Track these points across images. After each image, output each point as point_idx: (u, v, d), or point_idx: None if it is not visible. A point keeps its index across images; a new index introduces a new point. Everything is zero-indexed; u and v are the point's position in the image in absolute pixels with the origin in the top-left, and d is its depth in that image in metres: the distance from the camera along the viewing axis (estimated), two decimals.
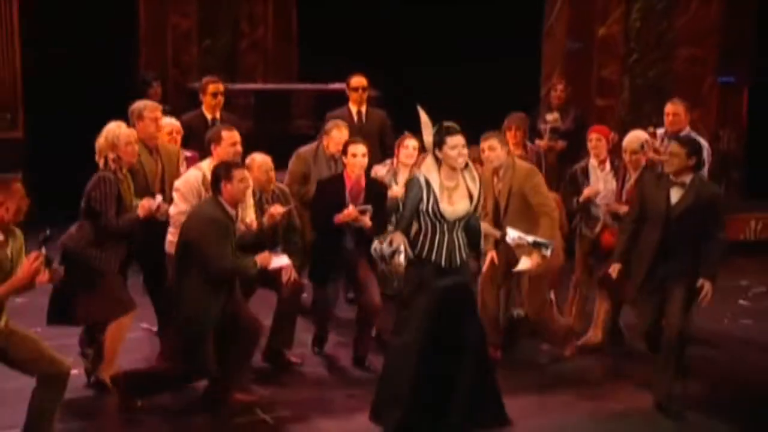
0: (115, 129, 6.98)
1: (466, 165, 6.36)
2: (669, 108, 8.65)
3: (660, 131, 8.55)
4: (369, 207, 7.64)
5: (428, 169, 6.31)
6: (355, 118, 9.63)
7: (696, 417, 6.97)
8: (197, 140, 8.18)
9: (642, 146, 7.88)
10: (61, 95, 12.01)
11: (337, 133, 8.26)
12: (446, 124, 6.34)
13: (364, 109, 9.75)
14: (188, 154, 8.10)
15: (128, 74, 13.16)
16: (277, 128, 11.10)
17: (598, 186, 8.10)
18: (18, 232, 5.92)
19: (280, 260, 7.09)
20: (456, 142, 6.22)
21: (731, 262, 8.99)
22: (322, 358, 8.09)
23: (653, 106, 11.25)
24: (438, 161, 6.30)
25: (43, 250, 5.67)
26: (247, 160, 7.56)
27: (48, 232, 5.83)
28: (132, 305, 7.13)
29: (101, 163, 6.97)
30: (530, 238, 6.89)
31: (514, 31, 11.82)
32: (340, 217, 7.66)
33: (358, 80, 9.77)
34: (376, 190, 7.91)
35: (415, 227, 6.31)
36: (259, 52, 14.50)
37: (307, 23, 14.29)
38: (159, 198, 7.12)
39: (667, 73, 11.86)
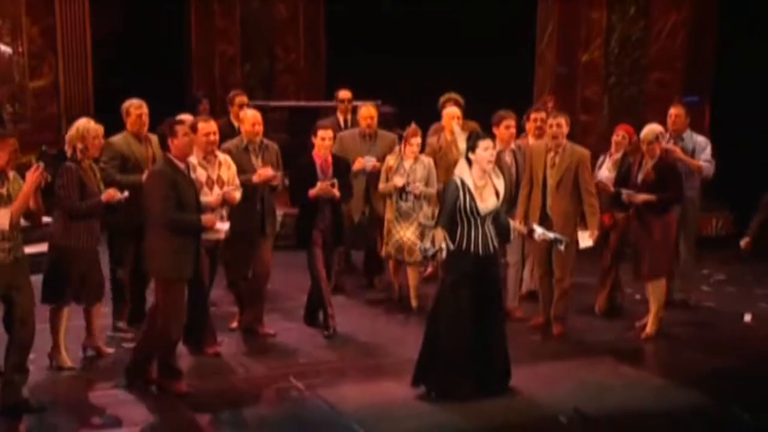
0: (85, 123, 6.92)
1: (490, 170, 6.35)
2: (672, 110, 8.49)
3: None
4: (335, 180, 7.70)
5: (462, 171, 6.33)
6: (342, 124, 9.68)
7: (671, 386, 6.78)
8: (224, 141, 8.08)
9: (657, 137, 7.74)
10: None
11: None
12: (478, 132, 6.56)
13: (349, 117, 9.81)
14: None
15: (182, 93, 13.04)
16: (307, 138, 11.07)
17: (603, 173, 8.14)
18: (13, 175, 6.00)
19: (223, 225, 6.83)
20: (487, 144, 6.28)
21: (696, 255, 8.89)
22: (342, 334, 7.87)
23: (629, 121, 11.04)
24: (470, 163, 6.28)
25: (41, 163, 5.88)
26: (240, 115, 7.88)
27: (44, 147, 6.05)
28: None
29: (69, 152, 6.83)
30: (551, 234, 7.01)
31: (511, 56, 11.68)
32: (313, 192, 7.66)
33: (344, 93, 9.95)
34: (340, 166, 7.98)
35: (454, 225, 6.28)
36: (292, 74, 14.54)
37: (334, 49, 14.20)
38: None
39: (641, 93, 11.79)
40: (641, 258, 7.79)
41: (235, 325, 7.86)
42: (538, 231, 7.01)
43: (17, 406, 6.11)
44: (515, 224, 7.08)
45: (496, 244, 6.43)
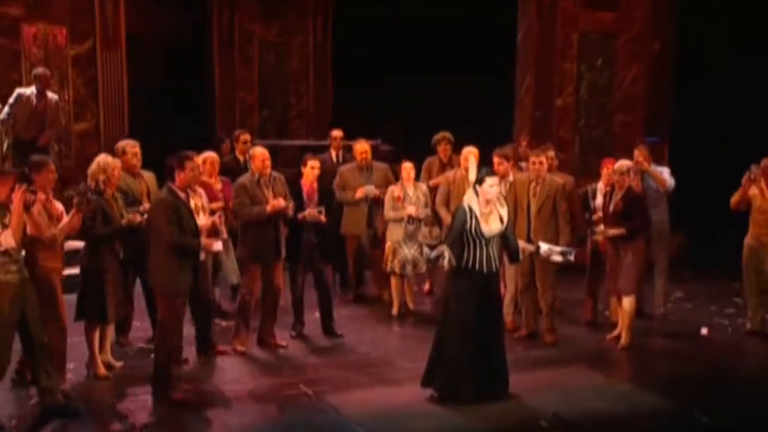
0: (105, 158, 6.84)
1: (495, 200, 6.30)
2: (636, 152, 8.35)
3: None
4: (322, 208, 7.66)
5: (470, 199, 6.26)
6: (334, 159, 9.66)
7: (637, 391, 6.60)
8: (231, 174, 8.21)
9: (627, 171, 7.63)
10: (158, 152, 11.77)
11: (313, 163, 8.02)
12: (487, 168, 6.57)
13: (341, 153, 9.81)
14: (224, 179, 8.16)
15: (207, 135, 12.98)
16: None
17: (599, 201, 7.98)
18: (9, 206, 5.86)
19: (218, 245, 6.92)
20: (493, 182, 6.23)
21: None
22: (347, 344, 7.74)
23: (597, 158, 10.97)
24: (476, 193, 6.22)
25: (24, 185, 5.81)
26: (251, 152, 7.75)
27: (26, 170, 6.04)
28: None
29: (92, 184, 6.71)
30: (558, 248, 6.99)
31: (493, 103, 11.59)
32: (301, 215, 7.62)
33: (337, 133, 9.95)
34: (325, 194, 7.97)
35: (461, 245, 6.20)
36: (303, 119, 14.55)
37: (340, 97, 14.16)
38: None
39: (607, 134, 11.74)
40: (615, 277, 7.66)
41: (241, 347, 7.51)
42: (544, 248, 6.96)
43: (57, 410, 5.95)
44: (523, 244, 6.98)
45: (498, 264, 6.35)
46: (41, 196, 6.21)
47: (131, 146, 7.56)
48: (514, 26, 11.62)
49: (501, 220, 6.26)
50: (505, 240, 6.39)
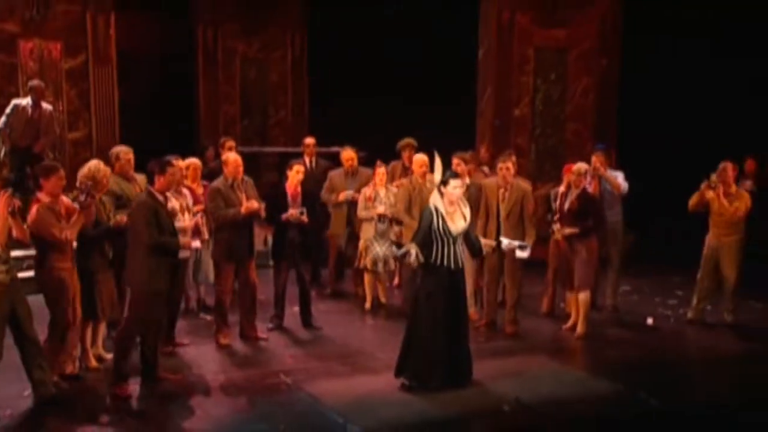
0: (96, 164, 6.63)
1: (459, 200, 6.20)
2: (594, 157, 8.31)
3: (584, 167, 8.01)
4: (304, 209, 7.56)
5: (435, 200, 6.16)
6: (308, 165, 9.47)
7: (590, 377, 6.53)
8: (216, 178, 7.86)
9: (584, 173, 7.65)
10: (147, 158, 11.59)
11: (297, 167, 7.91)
12: (450, 170, 6.41)
13: (314, 159, 9.71)
14: (206, 183, 8.01)
15: (193, 143, 12.84)
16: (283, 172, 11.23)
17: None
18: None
19: (196, 243, 6.76)
20: (456, 183, 6.13)
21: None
22: (324, 337, 7.58)
23: (551, 164, 11.18)
24: (441, 194, 6.12)
25: (9, 189, 5.63)
26: (223, 158, 7.63)
27: (12, 176, 5.94)
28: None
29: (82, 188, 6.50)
30: (517, 243, 6.89)
31: (457, 113, 11.56)
32: (285, 216, 7.52)
33: (309, 140, 9.82)
34: (308, 196, 7.86)
35: (430, 244, 6.10)
36: (281, 128, 14.48)
37: (316, 107, 14.07)
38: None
39: (560, 141, 11.69)
40: (571, 273, 7.60)
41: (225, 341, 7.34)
42: (505, 242, 6.88)
43: (49, 401, 5.81)
44: (486, 240, 6.89)
45: (464, 260, 6.25)
46: (45, 199, 6.03)
47: (125, 152, 7.40)
48: (475, 44, 11.56)
49: (464, 218, 6.17)
50: (467, 238, 6.30)
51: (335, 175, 9.04)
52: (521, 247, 6.85)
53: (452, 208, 6.12)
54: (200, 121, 13.89)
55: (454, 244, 6.11)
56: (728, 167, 7.95)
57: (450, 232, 6.06)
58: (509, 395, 5.97)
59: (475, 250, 6.46)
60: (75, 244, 6.39)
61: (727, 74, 10.25)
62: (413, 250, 6.00)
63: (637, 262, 9.63)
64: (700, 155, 8.48)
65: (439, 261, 6.09)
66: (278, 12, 14.16)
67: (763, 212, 8.48)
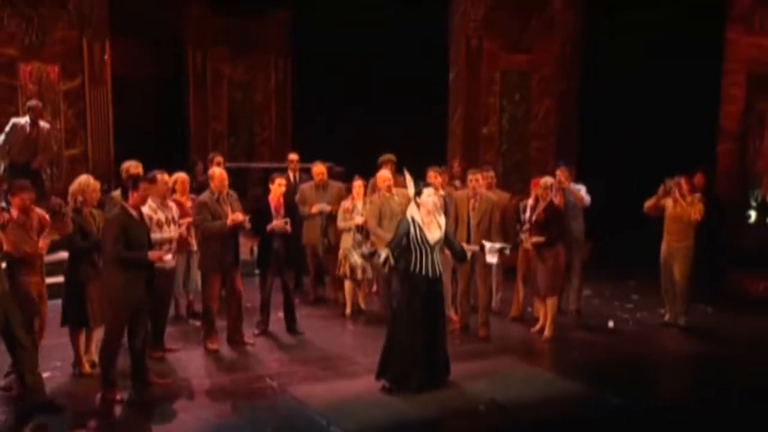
0: (86, 179, 6.33)
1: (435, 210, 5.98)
2: (558, 172, 8.15)
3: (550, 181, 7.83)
4: (288, 219, 7.35)
5: (412, 211, 5.93)
6: (291, 179, 9.25)
7: (558, 378, 6.31)
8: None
9: (550, 186, 7.49)
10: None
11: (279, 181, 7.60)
12: (424, 182, 6.22)
13: (297, 174, 9.49)
14: (194, 196, 7.73)
15: (184, 158, 12.55)
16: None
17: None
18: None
19: (167, 256, 6.27)
20: (429, 191, 5.94)
21: None
22: (307, 342, 7.29)
23: (517, 178, 11.04)
24: (417, 205, 5.91)
25: (2, 204, 5.36)
26: (210, 173, 7.35)
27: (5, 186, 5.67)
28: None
29: (71, 203, 6.20)
30: (498, 245, 6.81)
31: (429, 131, 11.39)
32: (270, 227, 7.29)
33: (293, 156, 9.66)
34: (290, 208, 7.65)
35: (409, 253, 5.88)
36: (266, 145, 14.30)
37: (297, 126, 13.86)
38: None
39: (525, 158, 11.58)
40: (539, 280, 7.41)
41: (213, 346, 7.02)
42: (487, 246, 6.69)
43: (42, 405, 5.46)
44: (467, 246, 6.71)
45: (441, 268, 6.00)
46: (15, 214, 5.73)
47: (134, 166, 7.17)
48: (446, 67, 11.42)
49: (440, 227, 5.95)
50: (449, 244, 6.10)
51: (306, 187, 8.86)
52: (502, 250, 6.72)
53: (428, 218, 5.90)
54: (190, 138, 13.69)
55: (432, 252, 5.88)
56: (682, 181, 7.82)
57: (427, 241, 5.84)
58: (484, 396, 5.73)
59: (459, 255, 6.27)
60: (67, 255, 6.10)
61: (674, 94, 10.20)
62: (384, 252, 5.75)
63: (595, 268, 9.49)
64: (653, 169, 8.35)
65: (417, 269, 5.86)
66: (263, 38, 14.03)
67: (714, 221, 8.35)
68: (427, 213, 5.89)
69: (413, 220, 5.87)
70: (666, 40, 10.37)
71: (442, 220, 6.01)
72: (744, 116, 9.63)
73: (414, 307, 5.83)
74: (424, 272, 5.85)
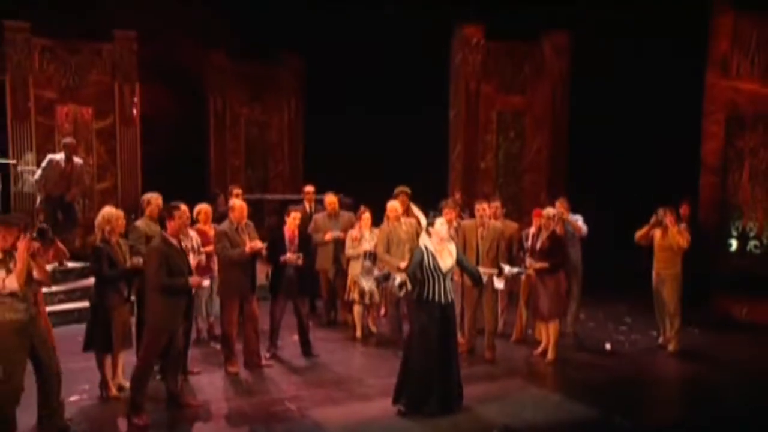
0: (110, 210, 5.96)
1: (447, 238, 5.59)
2: (558, 203, 7.80)
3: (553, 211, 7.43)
4: (301, 254, 6.92)
5: (425, 241, 5.53)
6: (308, 209, 8.91)
7: (566, 400, 5.87)
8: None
9: (552, 216, 7.08)
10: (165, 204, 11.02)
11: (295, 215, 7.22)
12: (435, 212, 5.89)
13: (313, 204, 9.10)
14: (216, 226, 7.29)
15: (205, 191, 12.21)
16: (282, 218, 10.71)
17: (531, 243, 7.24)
18: (15, 253, 4.88)
19: (206, 281, 5.98)
20: (442, 221, 5.58)
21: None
22: (321, 364, 6.82)
23: (512, 208, 10.55)
24: (429, 234, 5.51)
25: (30, 234, 4.95)
26: (230, 204, 6.92)
27: (44, 224, 5.14)
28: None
29: (99, 235, 5.83)
30: (516, 269, 6.57)
31: (431, 165, 11.06)
32: (283, 259, 6.89)
33: (309, 188, 9.26)
34: (304, 239, 7.23)
35: (422, 281, 5.47)
36: (280, 178, 13.94)
37: (310, 160, 13.52)
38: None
39: (520, 190, 11.27)
40: (541, 304, 6.99)
41: (234, 369, 6.58)
42: (506, 269, 6.35)
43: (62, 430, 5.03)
44: (484, 269, 6.33)
45: (453, 295, 5.59)
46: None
47: (155, 198, 6.80)
48: (447, 108, 11.14)
49: (451, 255, 5.56)
50: (464, 268, 5.72)
51: (319, 217, 8.54)
52: (519, 274, 6.38)
53: (440, 246, 5.51)
54: (210, 172, 13.36)
55: (444, 280, 5.48)
56: (669, 212, 7.45)
57: (440, 269, 5.45)
58: (497, 420, 5.29)
59: (475, 279, 5.87)
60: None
61: (659, 129, 9.92)
62: (400, 277, 5.44)
63: (588, 293, 9.07)
64: (639, 200, 8.01)
65: (431, 296, 5.45)
66: (277, 82, 13.79)
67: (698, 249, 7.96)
68: (439, 241, 5.51)
69: (426, 248, 5.49)
70: (651, 82, 10.09)
71: (453, 248, 5.62)
72: (724, 152, 9.31)
73: (428, 334, 5.41)
74: (437, 299, 5.45)
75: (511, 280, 6.71)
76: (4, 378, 4.76)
